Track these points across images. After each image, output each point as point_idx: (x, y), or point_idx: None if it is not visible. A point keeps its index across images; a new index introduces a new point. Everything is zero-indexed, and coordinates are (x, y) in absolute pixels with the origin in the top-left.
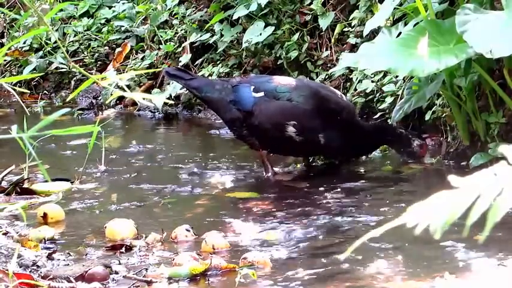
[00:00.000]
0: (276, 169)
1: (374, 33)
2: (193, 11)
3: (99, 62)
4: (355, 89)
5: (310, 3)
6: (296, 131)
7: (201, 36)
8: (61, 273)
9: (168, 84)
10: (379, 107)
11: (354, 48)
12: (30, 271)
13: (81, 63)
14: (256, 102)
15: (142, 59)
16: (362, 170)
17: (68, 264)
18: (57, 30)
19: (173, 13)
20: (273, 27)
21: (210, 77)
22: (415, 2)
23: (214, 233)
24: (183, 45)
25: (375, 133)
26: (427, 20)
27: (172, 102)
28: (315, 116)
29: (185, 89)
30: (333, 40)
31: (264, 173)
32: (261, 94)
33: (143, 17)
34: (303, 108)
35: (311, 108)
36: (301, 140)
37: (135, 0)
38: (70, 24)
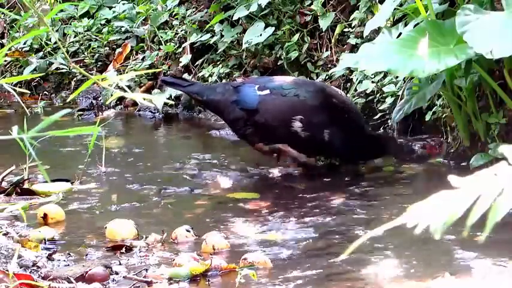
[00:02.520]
0: (275, 170)
1: (374, 33)
2: (194, 11)
3: (99, 63)
4: (356, 90)
5: (311, 4)
6: (302, 126)
7: (201, 36)
8: (61, 274)
9: None
10: (380, 108)
11: (354, 48)
12: (30, 272)
13: (81, 64)
14: (262, 100)
15: (143, 59)
16: (362, 171)
17: (68, 265)
18: (57, 30)
19: (173, 14)
20: (273, 28)
21: (210, 77)
22: (415, 2)
23: (215, 234)
24: (183, 45)
25: (379, 144)
26: (428, 20)
27: (173, 102)
28: (321, 112)
29: (185, 94)
30: (333, 41)
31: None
32: (267, 92)
33: (143, 17)
34: (310, 104)
35: (318, 104)
36: (306, 136)
37: (136, 0)
38: (70, 24)
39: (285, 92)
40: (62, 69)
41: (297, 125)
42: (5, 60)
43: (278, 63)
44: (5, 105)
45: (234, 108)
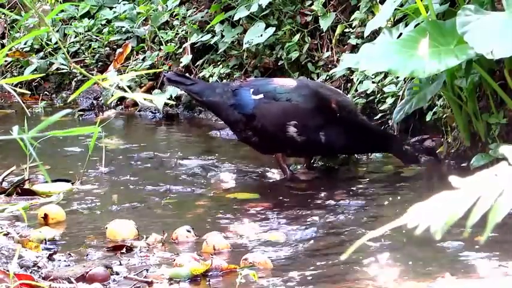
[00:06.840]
0: (273, 172)
1: (375, 34)
2: (194, 11)
3: (100, 63)
4: (356, 90)
5: (311, 4)
6: (297, 131)
7: (201, 37)
8: (62, 274)
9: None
10: (380, 108)
11: (354, 49)
12: (31, 272)
13: (82, 64)
14: (256, 104)
15: (143, 59)
16: (363, 171)
17: (69, 265)
18: (58, 31)
19: (174, 14)
20: (274, 28)
21: (211, 78)
22: (415, 2)
23: (215, 234)
24: (183, 46)
25: (383, 140)
26: (428, 20)
27: (173, 102)
28: (315, 115)
29: (187, 94)
30: (333, 41)
31: (281, 176)
32: (260, 96)
33: (144, 17)
34: (303, 108)
35: (311, 107)
36: (302, 140)
37: (136, 1)
38: (71, 25)
39: (278, 97)
40: (63, 69)
41: (292, 130)
42: (6, 61)
43: (279, 64)
44: (5, 106)
45: (233, 111)
